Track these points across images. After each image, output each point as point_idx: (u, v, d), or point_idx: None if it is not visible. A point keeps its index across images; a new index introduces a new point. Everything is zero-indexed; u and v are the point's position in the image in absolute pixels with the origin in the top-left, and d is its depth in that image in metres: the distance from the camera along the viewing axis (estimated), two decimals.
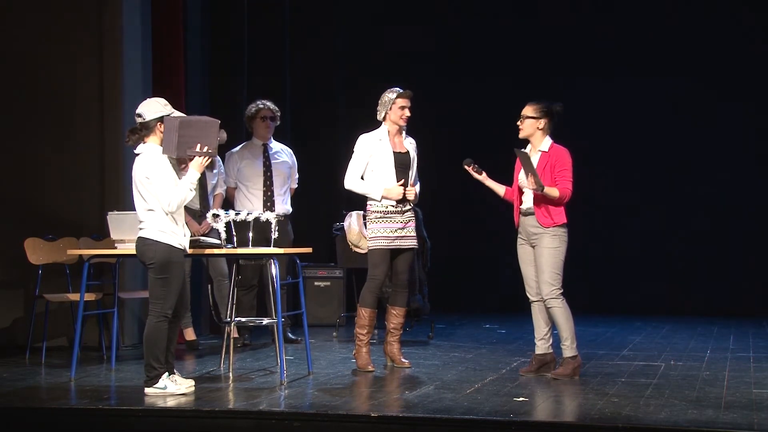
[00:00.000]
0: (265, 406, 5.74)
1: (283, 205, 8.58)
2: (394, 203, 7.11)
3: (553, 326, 6.79)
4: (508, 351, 8.17)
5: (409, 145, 7.27)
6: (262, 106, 8.56)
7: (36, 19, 8.58)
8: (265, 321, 7.22)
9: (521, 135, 6.82)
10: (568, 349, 6.69)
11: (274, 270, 6.72)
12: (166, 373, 6.07)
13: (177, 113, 6.11)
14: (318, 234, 10.24)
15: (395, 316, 7.26)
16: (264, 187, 8.51)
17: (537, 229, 6.72)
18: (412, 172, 7.24)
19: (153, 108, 6.08)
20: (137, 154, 6.12)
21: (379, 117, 7.21)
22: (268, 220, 6.83)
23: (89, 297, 7.61)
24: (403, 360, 7.27)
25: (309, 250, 7.26)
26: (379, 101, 7.19)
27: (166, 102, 6.15)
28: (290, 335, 8.68)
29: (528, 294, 6.85)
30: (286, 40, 10.92)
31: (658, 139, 11.50)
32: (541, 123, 6.74)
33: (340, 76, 11.80)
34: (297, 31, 11.14)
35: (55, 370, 7.20)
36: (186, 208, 8.14)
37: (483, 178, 6.95)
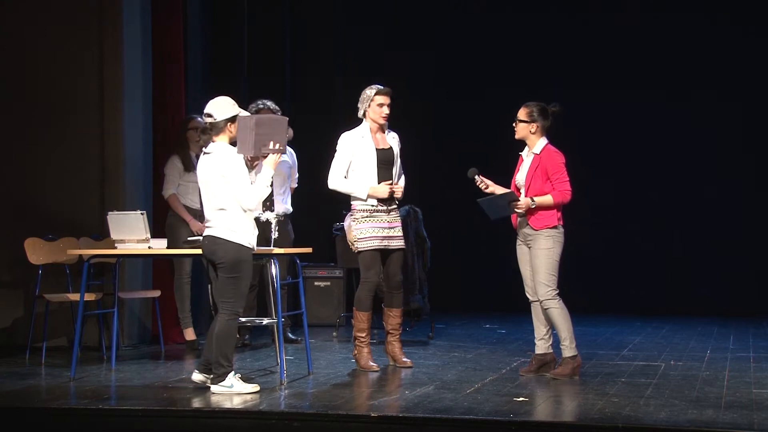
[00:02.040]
0: (265, 406, 5.74)
1: (283, 204, 8.57)
2: (378, 202, 7.06)
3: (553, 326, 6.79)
4: (508, 351, 8.17)
5: (392, 140, 7.21)
6: (262, 105, 8.55)
7: (36, 19, 8.58)
8: (265, 321, 7.21)
9: (516, 137, 6.86)
10: (567, 348, 6.69)
11: (274, 270, 6.72)
12: (233, 372, 6.09)
13: (244, 112, 6.18)
14: (318, 234, 10.23)
15: (393, 317, 7.23)
16: None
17: (530, 231, 6.74)
18: (396, 168, 7.19)
19: (223, 108, 6.13)
20: (206, 153, 6.14)
21: (359, 114, 7.16)
22: (268, 220, 6.82)
23: (89, 297, 7.60)
24: (405, 360, 7.24)
25: (309, 250, 7.26)
26: (360, 98, 7.15)
27: (233, 101, 6.20)
28: (290, 335, 8.68)
29: (527, 294, 6.86)
30: (286, 40, 10.91)
31: (657, 139, 11.50)
32: (533, 127, 6.77)
33: (340, 75, 11.78)
34: (297, 31, 11.13)
35: (55, 370, 7.20)
36: (186, 207, 8.19)
37: (490, 190, 6.92)
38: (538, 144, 6.78)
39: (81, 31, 8.57)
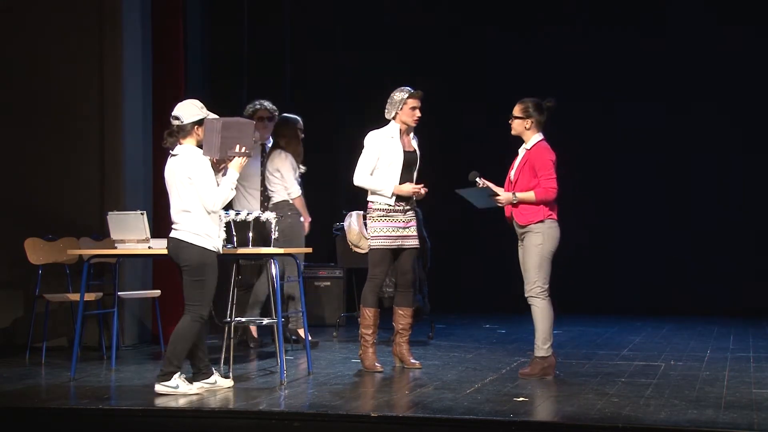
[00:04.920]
0: (265, 406, 5.74)
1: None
2: (395, 202, 7.07)
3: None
4: (508, 351, 8.16)
5: (415, 142, 7.25)
6: (259, 106, 8.55)
7: (36, 20, 8.59)
8: (265, 321, 7.22)
9: (512, 133, 6.85)
10: (539, 349, 6.64)
11: (274, 270, 6.72)
12: (179, 372, 6.08)
13: (212, 115, 6.18)
14: (318, 234, 10.23)
15: (402, 317, 7.22)
16: (261, 187, 8.49)
17: (520, 228, 6.73)
18: (415, 170, 7.20)
19: (190, 111, 6.14)
20: (173, 155, 6.15)
21: (388, 116, 7.14)
22: (268, 220, 6.83)
23: (89, 297, 7.61)
24: (413, 361, 7.22)
25: (309, 250, 7.25)
26: (389, 100, 7.13)
27: (202, 104, 6.21)
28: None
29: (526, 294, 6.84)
30: (286, 40, 10.91)
31: (657, 139, 11.50)
32: (528, 123, 6.77)
33: (341, 75, 11.78)
34: (297, 31, 11.12)
35: (55, 370, 7.20)
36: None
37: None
38: (531, 140, 6.78)
39: (81, 31, 8.57)
